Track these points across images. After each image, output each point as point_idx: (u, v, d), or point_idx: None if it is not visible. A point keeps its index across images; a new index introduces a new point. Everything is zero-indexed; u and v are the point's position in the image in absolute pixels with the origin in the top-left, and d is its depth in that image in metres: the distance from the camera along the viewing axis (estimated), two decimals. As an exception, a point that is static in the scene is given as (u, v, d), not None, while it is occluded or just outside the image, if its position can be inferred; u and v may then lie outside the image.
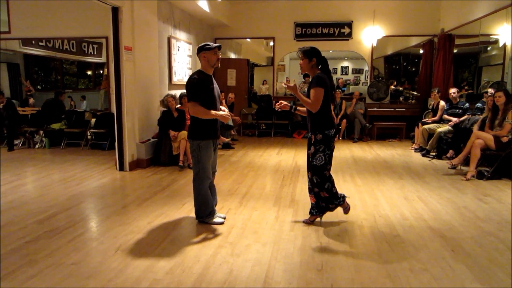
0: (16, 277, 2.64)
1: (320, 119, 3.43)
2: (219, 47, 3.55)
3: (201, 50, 3.53)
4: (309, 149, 3.55)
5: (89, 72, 10.86)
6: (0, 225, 3.64)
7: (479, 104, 6.84)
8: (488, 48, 8.10)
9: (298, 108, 3.68)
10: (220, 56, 3.58)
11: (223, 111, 3.66)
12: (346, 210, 3.70)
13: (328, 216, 3.79)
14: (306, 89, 10.48)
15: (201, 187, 3.61)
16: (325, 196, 3.52)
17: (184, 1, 7.74)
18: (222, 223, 3.64)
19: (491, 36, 7.79)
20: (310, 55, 3.45)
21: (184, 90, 4.50)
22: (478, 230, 3.56)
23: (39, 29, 8.66)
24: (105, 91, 9.25)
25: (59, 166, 6.31)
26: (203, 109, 3.47)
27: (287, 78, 12.50)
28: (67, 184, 5.16)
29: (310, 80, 3.50)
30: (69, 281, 2.60)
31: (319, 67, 3.49)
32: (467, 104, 7.04)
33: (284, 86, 3.51)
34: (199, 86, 3.46)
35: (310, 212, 3.70)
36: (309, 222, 3.69)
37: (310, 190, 3.65)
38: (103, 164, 6.47)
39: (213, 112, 3.49)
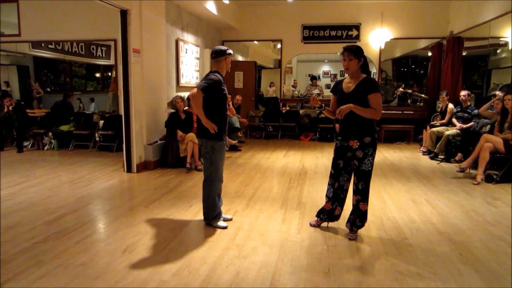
0: (25, 278, 2.67)
1: (370, 121, 3.26)
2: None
3: (224, 54, 3.61)
4: (340, 156, 3.37)
5: (97, 75, 10.94)
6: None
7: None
8: (498, 51, 8.03)
9: (326, 108, 3.51)
10: None
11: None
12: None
13: (335, 219, 3.79)
14: (314, 91, 10.39)
15: (212, 189, 3.62)
16: (364, 210, 3.38)
17: (192, 4, 7.79)
18: (225, 227, 3.63)
19: (501, 39, 7.71)
20: (359, 54, 3.21)
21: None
22: (487, 234, 3.52)
23: (49, 32, 8.76)
24: (113, 93, 9.32)
25: (68, 167, 6.37)
26: (201, 102, 3.47)
27: (296, 82, 12.49)
28: (75, 186, 5.20)
29: (360, 82, 3.23)
30: (77, 281, 2.62)
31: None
32: (476, 111, 6.97)
33: (321, 104, 3.37)
34: (215, 84, 3.50)
35: (319, 217, 3.66)
36: (316, 225, 3.67)
37: (330, 199, 3.54)
38: (111, 165, 6.52)
39: (204, 117, 3.48)
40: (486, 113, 6.32)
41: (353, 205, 3.45)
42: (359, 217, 3.40)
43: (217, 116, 3.55)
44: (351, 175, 3.45)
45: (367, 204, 3.39)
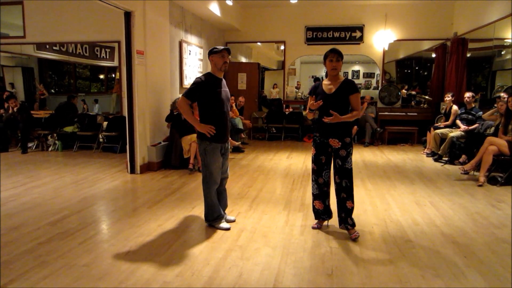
0: (29, 278, 2.68)
1: (348, 123, 3.42)
2: (227, 50, 3.54)
3: (209, 54, 3.57)
4: (322, 152, 3.49)
5: (101, 76, 10.99)
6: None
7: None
8: (502, 52, 7.98)
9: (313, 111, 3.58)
10: (227, 60, 3.55)
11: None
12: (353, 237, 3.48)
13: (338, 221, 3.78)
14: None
15: (208, 191, 3.62)
16: (351, 208, 3.46)
17: (196, 5, 7.81)
18: (228, 229, 3.62)
19: (505, 40, 7.68)
20: (343, 57, 3.42)
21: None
22: (491, 236, 3.50)
23: (53, 33, 8.81)
24: (117, 94, 9.34)
25: (72, 168, 6.39)
26: (188, 109, 3.52)
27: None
28: (79, 187, 5.21)
29: (342, 84, 3.39)
30: (80, 282, 2.63)
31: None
32: (480, 112, 6.94)
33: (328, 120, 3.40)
34: (199, 87, 3.50)
35: (320, 217, 3.68)
36: (318, 227, 3.67)
37: (318, 196, 3.61)
38: (115, 167, 6.54)
39: (195, 122, 3.52)
40: (489, 118, 6.29)
41: (338, 203, 3.52)
42: (348, 216, 3.47)
43: (209, 118, 3.54)
44: (330, 169, 3.58)
45: (353, 202, 3.48)
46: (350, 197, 3.45)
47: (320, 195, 3.60)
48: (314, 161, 3.56)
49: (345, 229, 3.51)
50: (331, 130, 3.41)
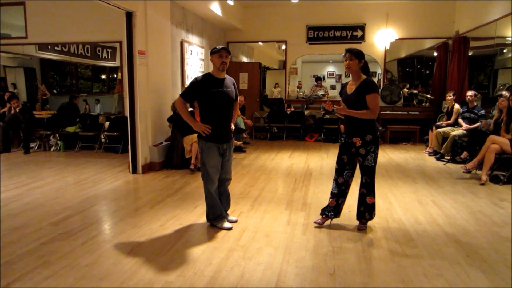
0: (31, 278, 2.68)
1: (370, 121, 3.43)
2: (225, 50, 3.48)
3: (210, 54, 3.59)
4: (344, 152, 3.54)
5: (103, 76, 11.00)
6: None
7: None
8: (504, 51, 7.96)
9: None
10: (225, 59, 3.48)
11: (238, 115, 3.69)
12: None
13: (340, 220, 3.78)
14: (318, 92, 10.43)
15: (207, 189, 3.63)
16: (371, 203, 3.55)
17: (197, 5, 7.81)
18: (230, 229, 3.62)
19: (507, 38, 7.66)
20: (360, 56, 3.43)
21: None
22: (494, 235, 3.49)
23: (55, 34, 8.82)
24: (118, 94, 9.36)
25: (74, 169, 6.40)
26: (184, 108, 3.63)
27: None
28: (81, 187, 5.22)
29: (360, 84, 3.42)
30: (82, 282, 2.63)
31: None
32: (482, 111, 6.92)
33: (333, 108, 3.47)
34: (193, 87, 3.55)
35: (325, 214, 3.69)
36: (321, 223, 3.69)
37: (334, 195, 3.64)
38: (117, 167, 6.54)
39: (191, 120, 3.59)
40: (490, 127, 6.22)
41: (358, 198, 3.60)
42: (367, 211, 3.56)
43: (206, 117, 3.55)
44: (355, 170, 3.63)
45: (374, 198, 3.56)
46: (370, 192, 3.54)
47: (337, 194, 3.63)
48: (337, 160, 3.63)
49: (358, 220, 3.64)
50: (353, 128, 3.48)
